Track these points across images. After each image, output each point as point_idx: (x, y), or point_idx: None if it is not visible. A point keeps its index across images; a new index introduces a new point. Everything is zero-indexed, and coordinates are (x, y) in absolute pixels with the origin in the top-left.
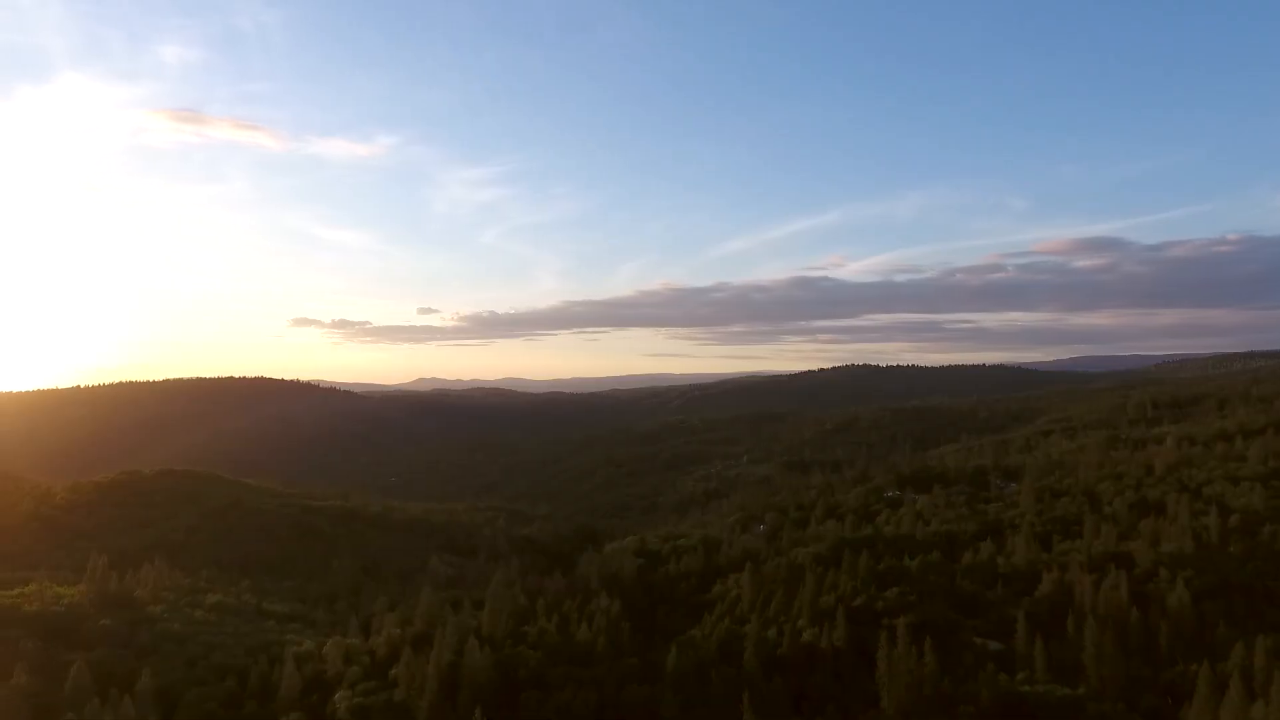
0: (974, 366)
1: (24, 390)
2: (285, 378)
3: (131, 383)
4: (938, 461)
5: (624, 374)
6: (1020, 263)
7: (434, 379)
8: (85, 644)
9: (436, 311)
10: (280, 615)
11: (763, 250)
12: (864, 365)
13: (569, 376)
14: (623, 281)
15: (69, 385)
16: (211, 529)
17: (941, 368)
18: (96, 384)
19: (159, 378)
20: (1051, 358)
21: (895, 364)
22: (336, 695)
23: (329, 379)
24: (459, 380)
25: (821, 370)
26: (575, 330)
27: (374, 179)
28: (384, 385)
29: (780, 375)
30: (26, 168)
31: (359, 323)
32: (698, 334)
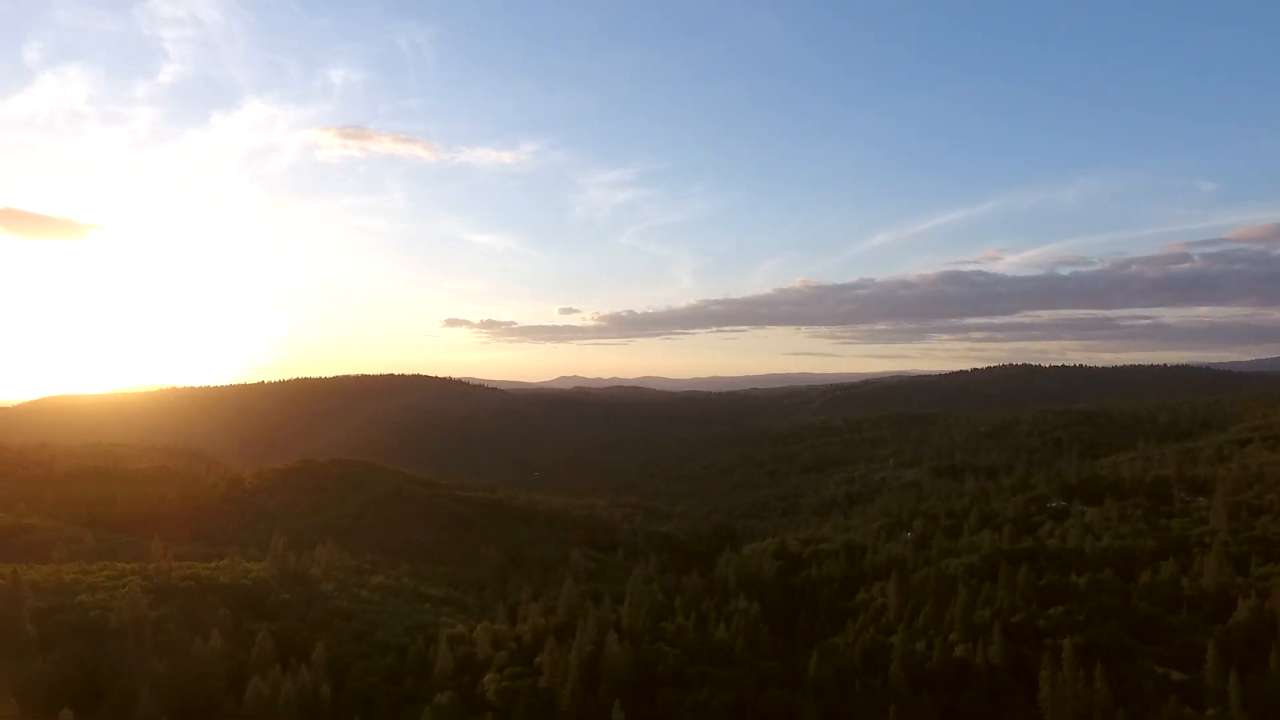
0: (1153, 367)
1: (215, 385)
2: (439, 375)
3: (305, 378)
4: (1110, 470)
5: (763, 373)
6: (1210, 251)
7: (575, 377)
8: (268, 615)
9: (577, 311)
10: (435, 599)
11: (909, 244)
12: (1023, 365)
13: (707, 375)
14: (761, 280)
15: (254, 381)
16: (375, 515)
17: (1114, 368)
18: (276, 379)
19: (329, 374)
20: (1248, 357)
21: (1059, 364)
22: (486, 678)
23: (478, 376)
24: (598, 378)
25: (975, 370)
26: (713, 329)
27: (518, 184)
28: (528, 383)
29: (929, 375)
30: (220, 185)
31: (505, 323)
32: (839, 332)
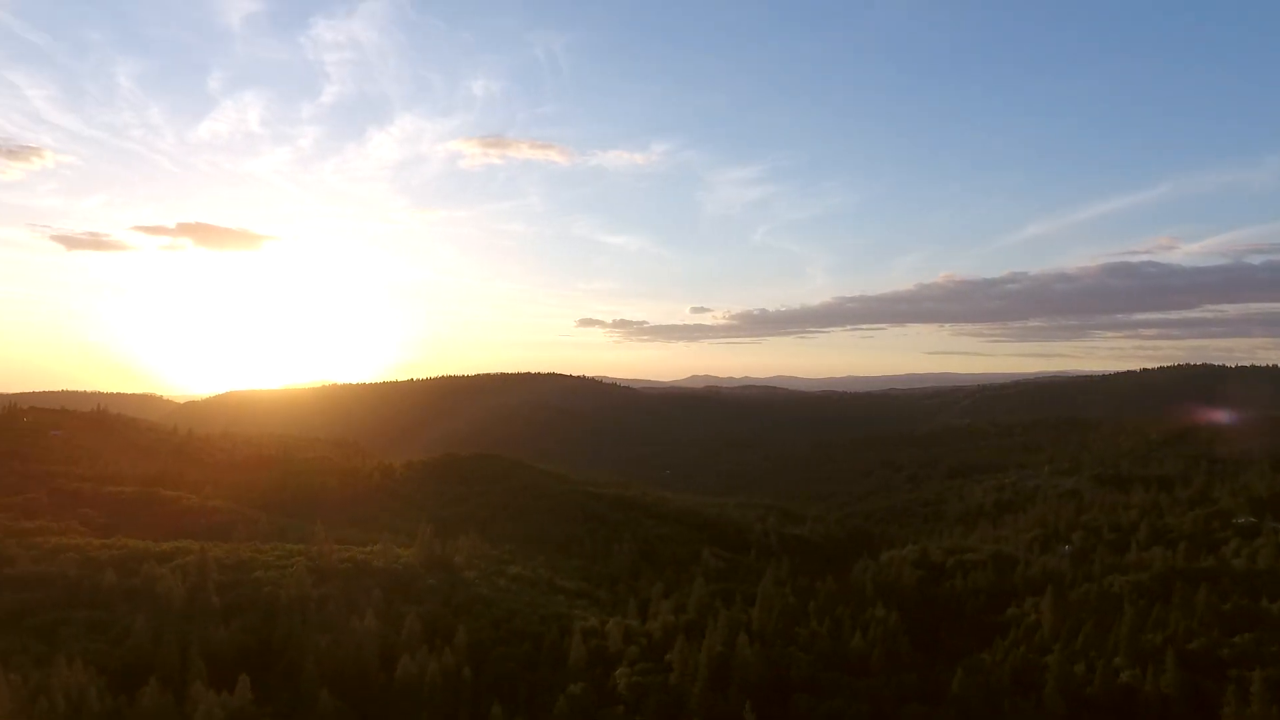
0: None
1: (370, 381)
2: (573, 373)
3: (448, 376)
4: None
5: (903, 373)
6: None
7: (706, 376)
8: (416, 598)
9: (709, 310)
10: (568, 591)
11: (1067, 234)
12: (1203, 365)
13: (842, 375)
14: (900, 275)
15: (404, 378)
16: (513, 507)
17: None
18: (423, 376)
19: (470, 372)
20: None
21: (1249, 364)
22: (617, 671)
23: (611, 375)
24: (729, 378)
25: (1145, 370)
26: (849, 327)
27: (649, 185)
28: (659, 381)
29: (1090, 376)
30: (374, 195)
31: (637, 322)
32: (987, 330)
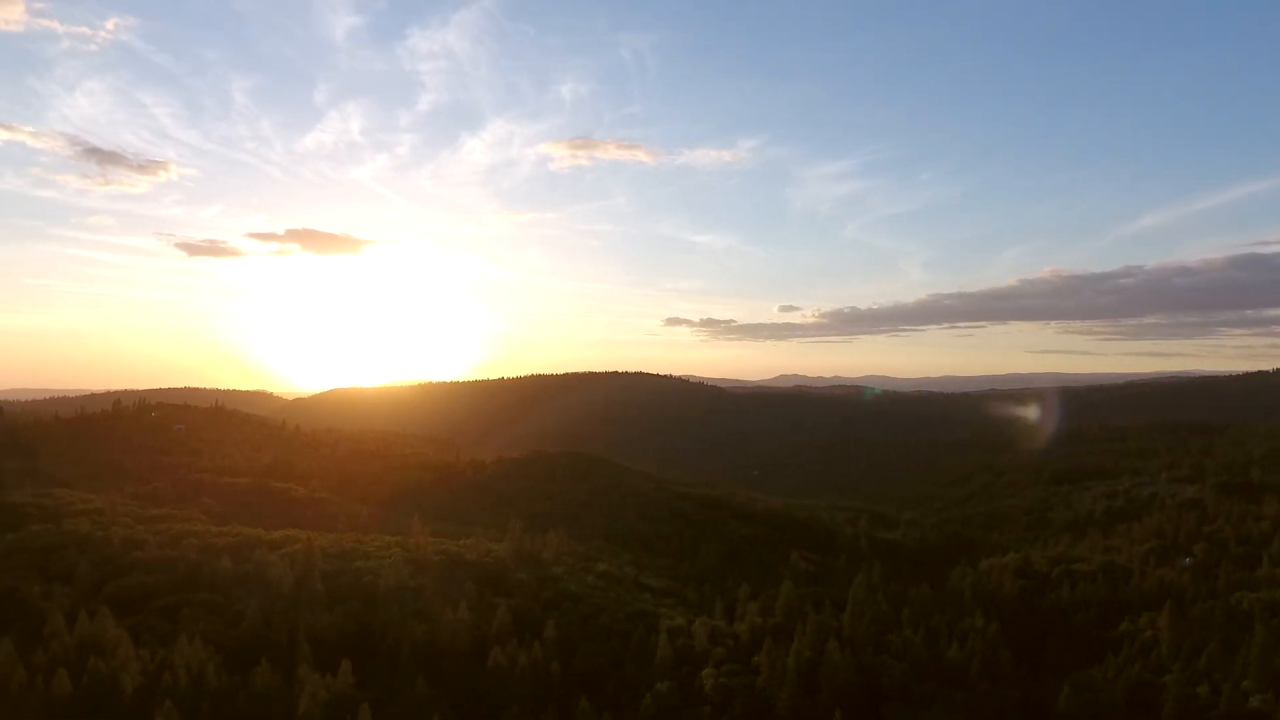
0: None
1: (463, 379)
2: (659, 372)
3: (538, 375)
4: None
5: (1004, 372)
6: None
7: (795, 375)
8: (506, 591)
9: (798, 309)
10: (655, 589)
11: (1187, 224)
12: None
13: (939, 375)
14: (1002, 271)
15: (495, 376)
16: (599, 505)
17: None
18: (514, 375)
19: (559, 370)
20: None
21: None
22: (704, 672)
23: (698, 374)
24: (820, 377)
25: (1278, 371)
26: (946, 325)
27: (737, 182)
28: (747, 380)
29: (1214, 376)
30: (467, 199)
31: (724, 321)
32: (1097, 327)
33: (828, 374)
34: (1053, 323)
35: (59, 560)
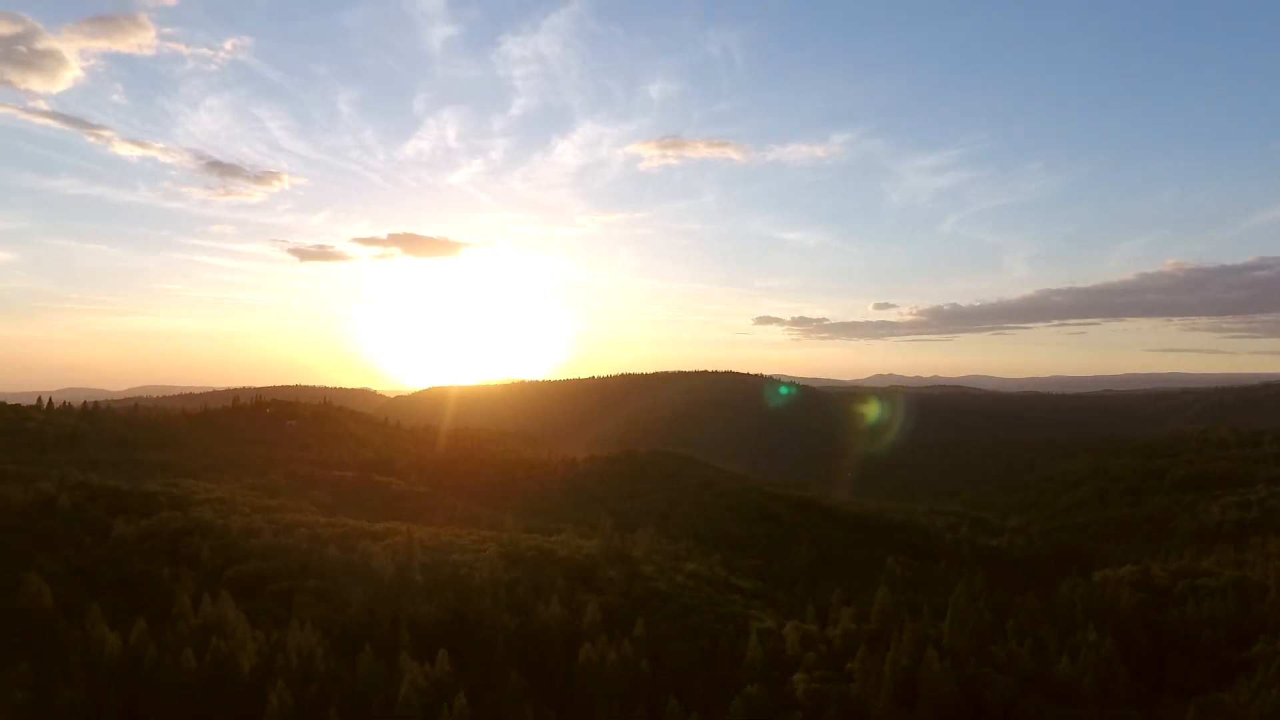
0: None
1: (554, 378)
2: (750, 372)
3: (628, 374)
4: None
5: (1119, 372)
6: None
7: (891, 375)
8: (596, 588)
9: (893, 306)
10: (745, 591)
11: None
12: None
13: (1047, 375)
14: (1117, 264)
15: (585, 375)
16: (689, 504)
17: None
18: (604, 374)
19: (649, 370)
20: None
21: None
22: (795, 676)
23: (789, 374)
24: (918, 377)
25: None
26: (1054, 322)
27: (829, 178)
28: (841, 380)
29: None
30: (558, 201)
31: (816, 320)
32: (1227, 324)
33: (926, 373)
34: (1175, 319)
35: (185, 545)
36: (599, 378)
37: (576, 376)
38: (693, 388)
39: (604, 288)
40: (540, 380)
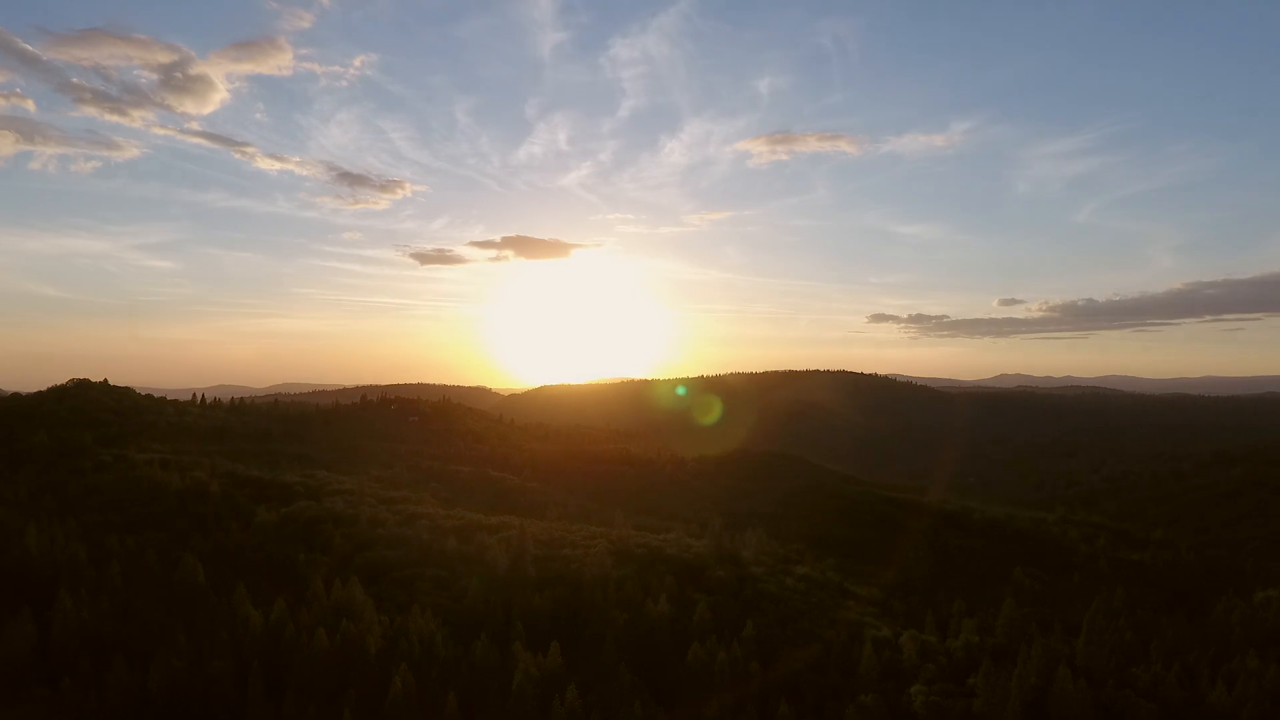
0: None
1: (663, 378)
2: (865, 371)
3: (739, 373)
4: None
5: None
6: None
7: (1018, 375)
8: (705, 588)
9: (1020, 302)
10: (859, 597)
11: None
12: None
13: (1197, 375)
14: (1278, 253)
15: (694, 374)
16: (801, 507)
17: None
18: (714, 373)
19: (760, 369)
20: None
21: None
22: (912, 688)
23: (906, 373)
24: (1048, 377)
25: None
26: (1205, 318)
27: (949, 168)
28: (962, 380)
29: None
30: (665, 201)
31: (935, 317)
32: None
33: (1057, 373)
34: None
35: (319, 533)
36: (708, 377)
37: (685, 375)
38: (804, 387)
39: (712, 286)
40: (649, 379)
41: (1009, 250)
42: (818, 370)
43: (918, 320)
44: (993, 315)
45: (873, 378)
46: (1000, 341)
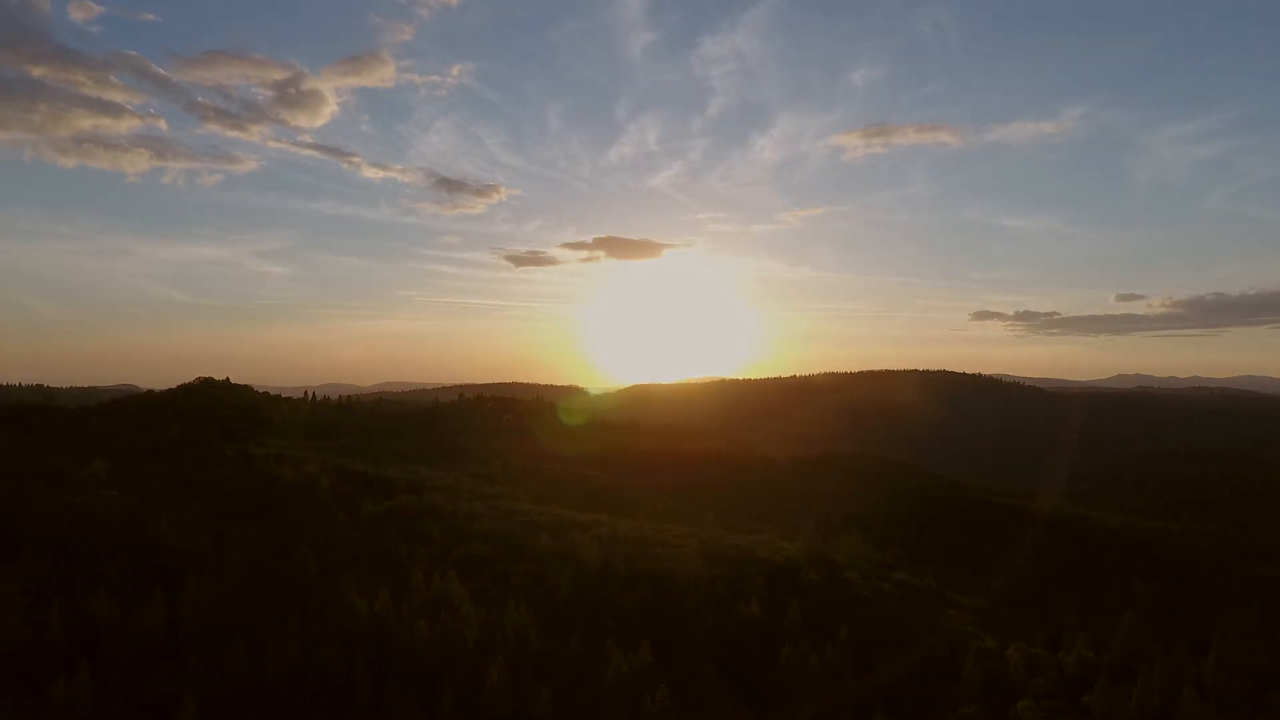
0: None
1: (754, 377)
2: (967, 371)
3: (831, 373)
4: None
5: None
6: None
7: (1138, 375)
8: (796, 591)
9: (1140, 297)
10: (961, 606)
11: None
12: None
13: None
14: None
15: (787, 374)
16: (898, 510)
17: None
18: (807, 373)
19: (853, 369)
20: None
21: None
22: (1020, 704)
23: (1012, 373)
24: (1172, 377)
25: None
26: None
27: (1058, 157)
28: (1075, 381)
29: None
30: (756, 198)
31: (1045, 314)
32: None
33: (1183, 373)
34: None
35: (419, 526)
36: (800, 376)
37: (777, 375)
38: (902, 387)
39: (805, 284)
40: (740, 379)
41: (1127, 243)
42: (915, 370)
43: (1025, 317)
44: (1109, 312)
45: (975, 378)
46: (1117, 339)
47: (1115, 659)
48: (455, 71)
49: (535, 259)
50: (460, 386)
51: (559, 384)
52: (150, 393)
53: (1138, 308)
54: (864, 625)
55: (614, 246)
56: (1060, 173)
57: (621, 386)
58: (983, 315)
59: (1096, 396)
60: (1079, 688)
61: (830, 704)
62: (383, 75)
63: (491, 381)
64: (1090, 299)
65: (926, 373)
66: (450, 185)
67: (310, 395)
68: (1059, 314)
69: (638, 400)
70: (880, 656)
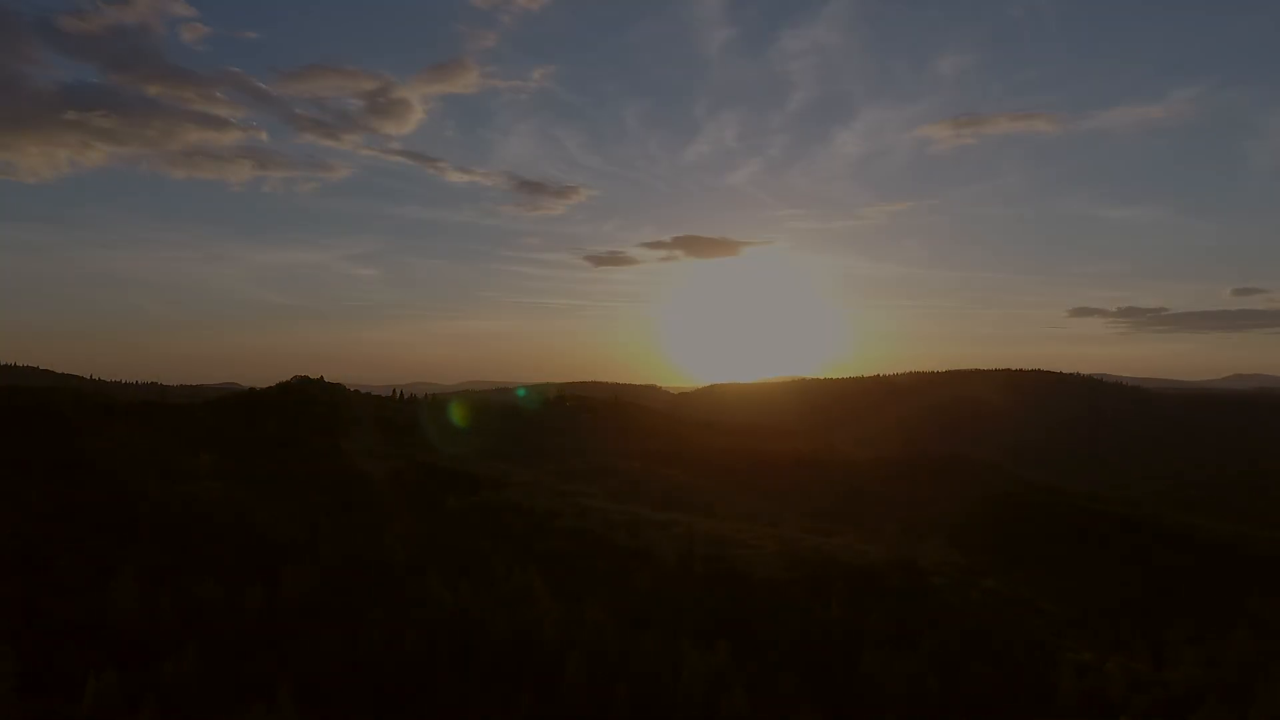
0: None
1: (836, 376)
2: (1064, 370)
3: (917, 372)
4: None
5: None
6: None
7: (1257, 375)
8: (878, 594)
9: (1260, 292)
10: (1055, 617)
11: None
12: None
13: None
14: None
15: (870, 373)
16: (988, 516)
17: None
18: (889, 372)
19: (941, 368)
20: None
21: None
22: None
23: (1114, 373)
24: None
25: None
26: None
27: (1168, 142)
28: (1185, 381)
29: None
30: (838, 194)
31: (1151, 310)
32: None
33: None
34: None
35: (500, 521)
36: (885, 375)
37: (860, 374)
38: (993, 387)
39: (890, 280)
40: (822, 378)
41: (1245, 233)
42: (1007, 369)
43: (1129, 314)
44: (1225, 307)
45: (1073, 377)
46: (1234, 337)
47: (1227, 677)
48: (536, 75)
49: (614, 259)
50: (540, 385)
51: (638, 383)
52: (251, 390)
53: (1256, 302)
54: (950, 634)
55: (692, 245)
56: (1169, 159)
57: (700, 385)
58: (1082, 312)
59: (1209, 397)
60: (1186, 707)
61: (913, 715)
62: (467, 82)
63: (570, 380)
64: (1202, 293)
65: (1019, 372)
66: (531, 187)
67: (398, 393)
68: (1167, 310)
69: (717, 400)
70: (968, 668)
